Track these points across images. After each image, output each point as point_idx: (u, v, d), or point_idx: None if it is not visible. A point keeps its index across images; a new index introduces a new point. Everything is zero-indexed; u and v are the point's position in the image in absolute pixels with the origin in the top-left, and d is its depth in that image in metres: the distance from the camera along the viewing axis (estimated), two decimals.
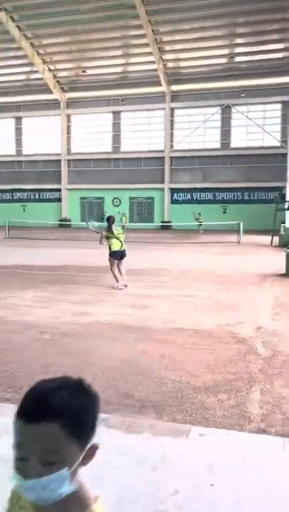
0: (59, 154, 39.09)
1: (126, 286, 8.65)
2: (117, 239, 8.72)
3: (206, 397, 3.57)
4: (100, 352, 4.61)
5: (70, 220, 38.50)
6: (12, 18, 30.91)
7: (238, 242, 20.63)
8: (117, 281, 8.63)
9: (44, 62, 35.28)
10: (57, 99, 38.23)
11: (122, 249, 8.78)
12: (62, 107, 38.51)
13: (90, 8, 29.35)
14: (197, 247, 18.65)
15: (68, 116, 39.02)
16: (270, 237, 20.80)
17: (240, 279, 10.04)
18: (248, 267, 12.14)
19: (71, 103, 38.65)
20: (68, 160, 39.21)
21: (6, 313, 6.30)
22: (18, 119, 40.12)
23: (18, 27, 31.76)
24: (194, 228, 31.58)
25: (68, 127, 39.14)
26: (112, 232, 8.74)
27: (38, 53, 34.42)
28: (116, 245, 8.68)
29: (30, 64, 34.89)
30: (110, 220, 9.00)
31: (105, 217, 33.43)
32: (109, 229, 8.82)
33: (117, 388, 3.67)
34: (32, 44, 33.50)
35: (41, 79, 36.39)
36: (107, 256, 8.84)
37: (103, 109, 37.90)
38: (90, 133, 38.70)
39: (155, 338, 5.17)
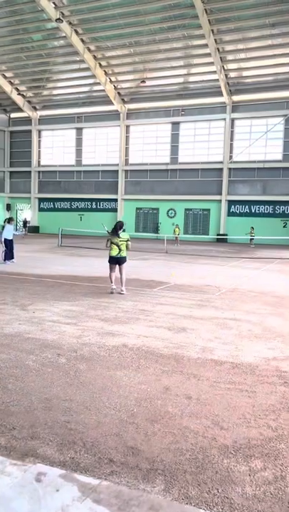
0: (117, 165, 39.37)
1: (121, 292, 8.99)
2: (116, 245, 8.84)
3: (235, 463, 2.77)
4: (115, 385, 3.94)
5: (125, 230, 38.37)
6: (76, 31, 31.65)
7: None
8: (111, 282, 9.18)
9: (106, 74, 35.81)
10: (117, 110, 38.62)
11: (119, 255, 8.91)
12: (121, 117, 38.84)
13: (153, 19, 29.36)
14: (252, 263, 17.50)
15: (127, 126, 39.26)
16: None
17: None
18: None
19: (131, 114, 38.88)
20: (126, 170, 39.36)
21: (29, 329, 5.82)
22: (79, 130, 41.00)
23: (82, 40, 32.47)
24: (255, 243, 30.20)
25: (127, 138, 39.36)
26: (116, 238, 8.85)
27: (101, 65, 34.99)
28: (113, 251, 8.92)
29: (93, 76, 35.55)
30: (117, 225, 9.06)
31: (160, 228, 33.25)
32: (113, 234, 8.89)
33: (123, 438, 2.98)
34: (95, 57, 34.13)
35: (103, 90, 36.95)
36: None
37: (162, 119, 37.71)
38: (149, 144, 38.64)
39: (185, 372, 4.41)
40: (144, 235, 37.06)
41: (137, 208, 39.28)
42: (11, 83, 39.17)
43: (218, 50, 31.41)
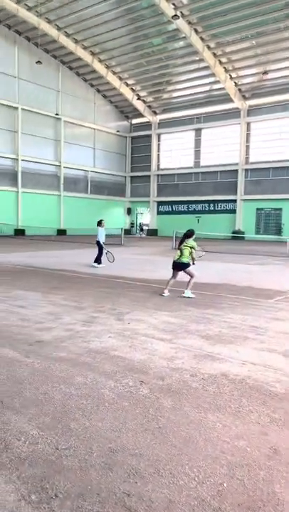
0: (236, 164, 37.74)
1: (191, 297, 8.64)
2: (180, 250, 8.90)
3: None
4: (203, 436, 2.97)
5: (243, 232, 36.64)
6: (196, 30, 31.01)
7: None
8: (165, 288, 9.02)
9: (226, 70, 34.53)
10: (237, 108, 37.01)
11: (179, 261, 8.87)
12: (242, 115, 37.10)
13: (277, 6, 27.21)
14: None
15: (248, 124, 37.36)
16: None
17: None
18: None
19: (252, 110, 36.91)
20: (246, 169, 37.49)
21: (118, 344, 5.15)
22: (198, 131, 40.33)
23: (202, 38, 31.74)
24: None
25: (247, 136, 37.47)
26: (182, 244, 8.94)
27: (220, 62, 33.84)
28: (175, 256, 9.07)
29: (212, 75, 34.57)
30: (186, 234, 9.08)
31: (282, 230, 30.64)
32: (180, 242, 9.06)
33: None
34: (214, 54, 33.11)
35: (222, 88, 35.74)
36: None
37: (287, 113, 34.95)
38: (271, 140, 36.21)
39: None
40: (264, 237, 34.74)
41: (258, 209, 37.09)
42: (133, 90, 40.24)
43: None
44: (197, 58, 33.47)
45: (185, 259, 8.87)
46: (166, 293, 8.84)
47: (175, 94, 39.94)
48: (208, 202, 39.95)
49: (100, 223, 14.27)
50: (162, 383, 3.96)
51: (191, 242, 8.96)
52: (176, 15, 28.43)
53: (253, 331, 5.99)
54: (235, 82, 35.73)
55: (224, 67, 34.27)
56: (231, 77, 35.22)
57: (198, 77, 36.11)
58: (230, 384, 4.00)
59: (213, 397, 3.70)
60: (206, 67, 33.93)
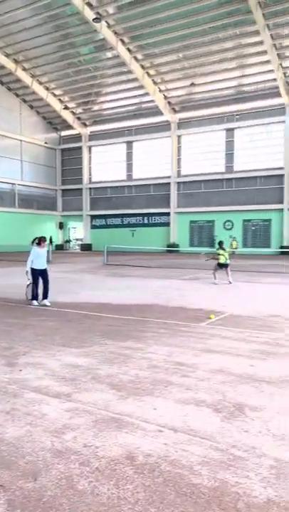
0: (169, 177, 37.43)
1: None
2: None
3: None
4: None
5: (178, 245, 36.25)
6: (122, 40, 30.42)
7: None
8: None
9: (155, 83, 34.27)
10: (167, 121, 36.87)
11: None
12: (172, 128, 36.99)
13: (203, 19, 27.32)
14: None
15: (179, 137, 37.31)
16: None
17: None
18: None
19: (182, 123, 36.92)
20: (178, 182, 37.29)
21: None
22: (129, 144, 39.68)
23: (129, 49, 31.21)
24: None
25: (179, 149, 37.38)
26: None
27: (149, 74, 33.51)
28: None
29: (141, 87, 34.14)
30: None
31: (215, 242, 30.51)
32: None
33: None
34: (142, 66, 32.71)
35: (152, 101, 35.42)
36: None
37: (216, 127, 35.37)
38: (202, 153, 36.38)
39: None
40: (198, 249, 34.47)
41: (191, 221, 36.94)
42: (61, 101, 38.85)
43: (275, 47, 28.72)
44: (125, 70, 32.88)
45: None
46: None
47: (105, 106, 39.07)
48: (142, 215, 39.23)
49: (39, 242, 9.53)
50: (32, 487, 2.60)
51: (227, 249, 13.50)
52: (97, 18, 27.54)
53: (178, 372, 4.80)
54: (164, 95, 35.58)
55: (153, 80, 33.99)
56: (160, 90, 35.03)
57: (128, 89, 35.54)
58: (137, 476, 2.73)
59: (106, 509, 2.39)
60: (135, 79, 33.44)
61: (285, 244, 32.16)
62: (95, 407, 3.79)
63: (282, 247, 31.66)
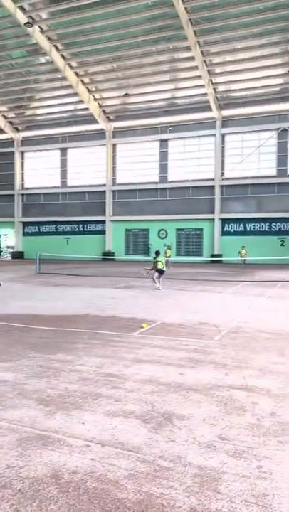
0: (104, 185, 37.45)
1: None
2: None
3: None
4: None
5: (113, 253, 36.31)
6: (56, 47, 30.12)
7: None
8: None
9: (89, 91, 34.25)
10: (102, 129, 36.96)
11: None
12: (107, 136, 37.13)
13: (136, 32, 27.91)
14: (254, 288, 15.25)
15: (114, 145, 37.52)
16: None
17: None
18: None
19: (117, 132, 37.20)
20: (113, 191, 37.43)
21: None
22: (64, 150, 39.21)
23: (63, 56, 30.97)
24: (248, 263, 28.01)
25: (114, 157, 37.57)
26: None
27: (83, 82, 33.44)
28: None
29: (76, 94, 33.95)
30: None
31: (150, 250, 30.98)
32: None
33: None
34: (77, 73, 32.60)
35: (87, 109, 35.34)
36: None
37: (150, 137, 36.06)
38: (136, 162, 36.87)
39: None
40: (134, 258, 34.83)
41: (127, 230, 37.19)
42: None
43: (206, 63, 29.99)
44: (59, 76, 32.54)
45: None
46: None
47: (38, 112, 38.29)
48: (77, 223, 38.85)
49: None
50: None
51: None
52: (28, 22, 27.08)
53: (108, 383, 4.79)
54: (99, 104, 35.66)
55: (87, 88, 33.96)
56: (95, 98, 35.07)
57: (62, 95, 35.16)
58: (61, 495, 2.67)
59: None
60: (69, 86, 33.19)
61: (215, 252, 33.41)
62: (21, 425, 3.67)
63: (213, 256, 32.86)
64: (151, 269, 15.13)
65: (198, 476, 2.91)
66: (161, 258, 14.93)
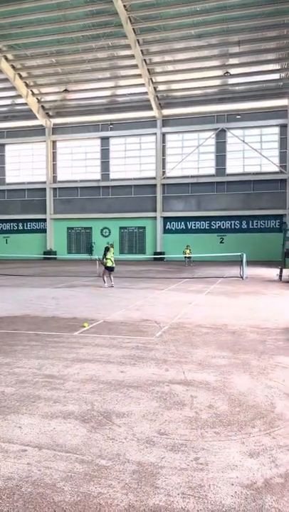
0: (44, 182, 36.59)
1: None
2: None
3: None
4: None
5: (55, 252, 35.61)
6: None
7: (242, 277, 17.63)
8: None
9: (27, 85, 33.26)
10: (42, 125, 36.07)
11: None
12: (47, 133, 36.31)
13: (75, 27, 27.49)
14: (194, 284, 15.62)
15: (54, 142, 36.76)
16: (279, 271, 17.85)
17: (260, 339, 6.98)
18: (264, 316, 9.09)
19: (57, 129, 36.48)
20: (54, 188, 36.67)
21: None
22: (1, 146, 37.81)
23: None
24: (193, 260, 28.55)
25: (54, 154, 36.81)
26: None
27: (21, 76, 32.41)
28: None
29: (13, 88, 32.81)
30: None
31: (93, 248, 30.55)
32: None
33: None
34: (13, 66, 31.51)
35: (25, 104, 34.32)
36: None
37: (91, 134, 35.74)
38: (78, 160, 36.42)
39: None
40: (76, 256, 34.41)
41: (68, 228, 36.62)
42: None
43: (146, 62, 30.19)
44: None
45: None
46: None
47: None
48: (17, 221, 37.66)
49: None
50: None
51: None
52: None
53: (47, 385, 4.68)
54: (38, 99, 34.74)
55: (25, 82, 32.94)
56: (34, 94, 34.11)
57: None
58: None
59: None
60: (6, 80, 32.01)
61: (158, 250, 33.83)
62: None
63: (155, 253, 33.25)
64: (101, 263, 15.37)
65: (136, 473, 2.92)
66: (110, 255, 14.81)
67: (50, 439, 3.40)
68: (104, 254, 14.88)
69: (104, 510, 2.50)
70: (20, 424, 3.68)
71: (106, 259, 14.70)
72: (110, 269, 14.75)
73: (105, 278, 14.84)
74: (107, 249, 15.00)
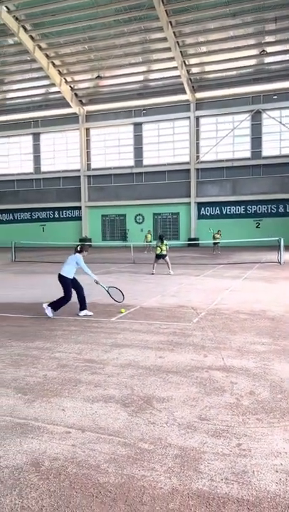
0: (78, 170, 36.91)
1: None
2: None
3: None
4: None
5: (90, 240, 36.01)
6: (24, 27, 29.15)
7: (280, 263, 17.24)
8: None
9: (60, 74, 33.40)
10: (75, 113, 36.25)
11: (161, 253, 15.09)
12: (80, 120, 36.48)
13: (107, 11, 27.23)
14: (231, 270, 15.42)
15: (87, 130, 36.91)
16: None
17: None
18: None
19: (90, 116, 36.57)
20: (88, 176, 36.94)
21: None
22: (36, 136, 38.35)
23: (32, 37, 30.02)
24: (227, 245, 28.12)
25: (87, 141, 36.99)
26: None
27: (54, 65, 32.57)
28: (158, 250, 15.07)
29: (47, 77, 33.07)
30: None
31: (128, 235, 30.26)
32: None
33: None
34: (47, 55, 31.70)
35: (58, 92, 34.53)
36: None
37: (123, 120, 35.60)
38: (111, 147, 36.44)
39: None
40: (111, 243, 34.67)
41: (103, 215, 36.91)
42: None
43: (178, 44, 29.60)
44: (29, 58, 31.57)
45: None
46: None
47: (9, 96, 37.19)
48: (53, 209, 38.30)
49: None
50: None
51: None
52: None
53: (87, 369, 4.76)
54: (71, 87, 34.88)
55: (58, 70, 33.10)
56: (67, 81, 34.26)
57: (33, 78, 34.16)
58: (42, 483, 2.64)
59: None
60: (40, 69, 32.28)
61: (192, 236, 33.56)
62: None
63: (189, 239, 33.02)
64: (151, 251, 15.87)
65: (178, 457, 2.93)
66: (162, 244, 14.91)
67: (93, 422, 3.47)
68: (158, 242, 15.17)
69: (149, 493, 2.53)
70: (64, 406, 3.78)
71: (157, 247, 15.05)
72: (158, 257, 15.02)
73: (154, 265, 15.24)
74: (161, 238, 15.20)
